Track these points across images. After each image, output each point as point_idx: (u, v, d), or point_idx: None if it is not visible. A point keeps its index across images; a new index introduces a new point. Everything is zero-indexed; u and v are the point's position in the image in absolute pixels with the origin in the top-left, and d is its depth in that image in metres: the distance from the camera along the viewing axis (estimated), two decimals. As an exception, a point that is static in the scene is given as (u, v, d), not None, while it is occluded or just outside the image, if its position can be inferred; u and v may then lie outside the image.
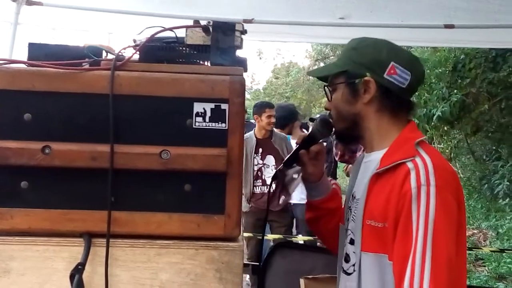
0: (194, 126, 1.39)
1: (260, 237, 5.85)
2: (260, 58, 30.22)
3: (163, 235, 1.40)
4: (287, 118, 6.72)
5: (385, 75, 1.70)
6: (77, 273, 1.32)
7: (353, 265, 1.73)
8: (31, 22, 4.02)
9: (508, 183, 10.81)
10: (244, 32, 1.47)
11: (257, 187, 5.95)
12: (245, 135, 6.36)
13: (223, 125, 1.40)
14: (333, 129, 1.87)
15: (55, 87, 1.37)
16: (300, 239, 5.46)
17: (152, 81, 1.39)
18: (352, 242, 1.75)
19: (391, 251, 1.56)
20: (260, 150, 6.00)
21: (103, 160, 1.36)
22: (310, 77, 26.87)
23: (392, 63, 1.70)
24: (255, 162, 5.97)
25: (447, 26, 3.93)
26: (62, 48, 1.55)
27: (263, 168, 5.95)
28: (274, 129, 6.23)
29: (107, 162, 1.36)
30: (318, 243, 4.81)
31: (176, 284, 1.40)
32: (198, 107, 1.39)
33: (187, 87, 1.39)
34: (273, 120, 5.97)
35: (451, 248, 1.51)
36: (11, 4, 3.68)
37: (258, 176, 5.93)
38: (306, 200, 2.02)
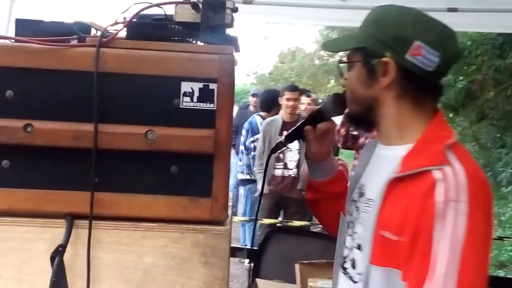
0: (181, 106, 1.35)
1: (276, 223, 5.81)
2: (266, 43, 30.08)
3: (148, 218, 1.37)
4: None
5: (407, 56, 1.43)
6: (57, 255, 1.29)
7: (360, 274, 1.53)
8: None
9: (511, 170, 10.76)
10: (235, 10, 1.42)
11: (277, 170, 5.85)
12: (272, 117, 6.29)
13: (211, 105, 1.35)
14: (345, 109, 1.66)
15: (38, 63, 1.33)
16: (297, 224, 5.42)
17: (138, 59, 1.34)
18: (359, 247, 1.55)
19: (406, 269, 1.36)
20: (284, 133, 5.91)
21: (86, 140, 1.32)
22: (316, 62, 26.78)
23: (416, 41, 1.42)
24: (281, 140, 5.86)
25: (450, 10, 3.83)
26: (50, 24, 1.51)
27: (285, 151, 5.80)
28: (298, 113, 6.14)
29: (91, 142, 1.32)
30: (319, 229, 4.76)
31: (161, 267, 1.36)
32: (185, 86, 1.35)
33: (175, 65, 1.34)
34: (291, 103, 5.87)
35: (477, 279, 1.32)
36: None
37: (279, 158, 5.83)
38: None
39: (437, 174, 1.36)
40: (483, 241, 1.34)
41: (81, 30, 1.43)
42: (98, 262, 1.36)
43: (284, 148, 5.84)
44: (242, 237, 7.35)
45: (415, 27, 1.44)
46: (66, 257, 1.33)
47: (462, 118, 13.20)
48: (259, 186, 6.32)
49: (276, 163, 5.84)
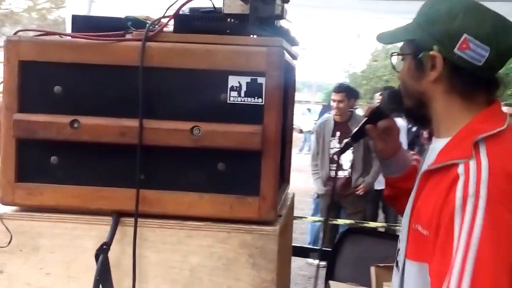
0: (228, 101, 1.30)
1: (332, 223, 5.77)
2: (359, 41, 29.73)
3: (193, 216, 1.33)
4: None
5: (455, 50, 1.38)
6: (101, 253, 1.27)
7: (397, 264, 1.53)
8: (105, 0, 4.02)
9: None
10: (286, 0, 1.35)
11: (332, 171, 5.80)
12: (324, 118, 6.24)
13: (260, 100, 1.30)
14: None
15: (84, 58, 1.32)
16: (373, 225, 5.28)
17: (184, 53, 1.30)
18: (402, 240, 1.52)
19: (431, 263, 1.33)
20: (338, 133, 5.85)
21: (131, 136, 1.29)
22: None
23: (465, 35, 1.38)
24: (331, 146, 5.83)
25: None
26: (104, 19, 1.50)
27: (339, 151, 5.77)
28: (356, 112, 6.05)
29: (136, 138, 1.29)
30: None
31: (207, 268, 1.32)
32: (233, 80, 1.30)
33: (221, 59, 1.30)
34: (336, 105, 5.78)
35: (497, 278, 1.23)
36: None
37: (334, 160, 5.78)
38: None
39: (460, 168, 1.32)
40: (508, 238, 1.25)
41: (134, 25, 1.41)
42: (144, 261, 1.33)
43: (338, 148, 5.80)
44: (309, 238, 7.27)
45: (464, 20, 1.39)
46: (113, 255, 1.31)
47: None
48: (315, 187, 6.29)
49: (331, 164, 5.78)
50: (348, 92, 5.99)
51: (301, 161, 12.68)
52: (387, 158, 1.72)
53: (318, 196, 6.42)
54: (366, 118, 1.68)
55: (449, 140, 1.42)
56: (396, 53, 1.58)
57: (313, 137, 6.14)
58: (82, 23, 1.46)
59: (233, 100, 1.30)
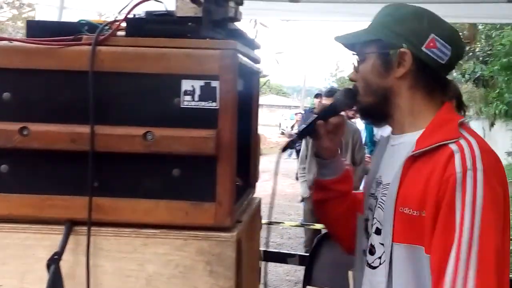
0: (182, 106, 1.28)
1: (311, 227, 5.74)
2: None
3: (149, 224, 1.29)
4: None
5: (423, 48, 1.52)
6: (53, 263, 1.24)
7: (380, 257, 1.56)
8: (77, 7, 4.01)
9: None
10: (239, 2, 1.33)
11: None
12: None
13: (214, 104, 1.27)
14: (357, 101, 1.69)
15: (34, 64, 1.28)
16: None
17: (136, 57, 1.28)
18: (378, 232, 1.58)
19: (429, 243, 1.41)
20: None
21: (83, 142, 1.26)
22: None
23: (432, 35, 1.52)
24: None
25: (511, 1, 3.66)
26: (60, 24, 1.48)
27: None
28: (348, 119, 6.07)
29: (88, 144, 1.26)
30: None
31: (164, 276, 1.29)
32: (186, 84, 1.27)
33: (174, 62, 1.27)
34: None
35: (499, 242, 1.37)
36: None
37: None
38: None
39: (453, 146, 1.43)
40: (501, 210, 1.40)
41: (90, 30, 1.38)
42: (99, 271, 1.30)
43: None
44: None
45: (430, 22, 1.54)
46: (67, 265, 1.28)
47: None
48: (301, 191, 6.29)
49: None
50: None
51: (289, 167, 12.65)
52: (329, 157, 1.76)
53: (303, 199, 6.42)
54: (317, 115, 1.71)
55: (425, 129, 1.52)
56: (357, 54, 1.65)
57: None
58: (37, 29, 1.43)
59: (187, 105, 1.27)
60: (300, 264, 3.89)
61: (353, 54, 1.66)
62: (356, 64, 1.66)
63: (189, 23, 1.32)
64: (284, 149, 1.78)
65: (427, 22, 1.54)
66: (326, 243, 3.55)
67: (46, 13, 3.79)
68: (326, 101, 5.80)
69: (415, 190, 1.45)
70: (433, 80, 1.57)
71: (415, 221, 1.44)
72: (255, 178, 1.76)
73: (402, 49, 1.53)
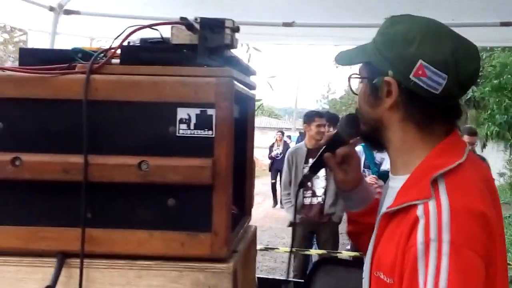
0: (177, 134, 1.25)
1: (305, 253, 5.72)
2: (337, 67, 29.79)
3: (143, 255, 1.27)
4: None
5: (411, 76, 1.27)
6: (45, 297, 1.20)
7: None
8: (69, 32, 4.01)
9: None
10: (235, 29, 1.32)
11: (306, 198, 5.78)
12: (296, 145, 6.28)
13: (210, 132, 1.25)
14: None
15: (26, 93, 1.26)
16: (346, 254, 5.23)
17: (130, 85, 1.26)
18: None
19: None
20: (310, 160, 5.84)
21: (76, 173, 1.24)
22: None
23: (420, 61, 1.27)
24: (305, 173, 5.81)
25: (504, 24, 3.66)
26: (53, 52, 1.46)
27: (313, 179, 5.76)
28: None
29: (81, 174, 1.23)
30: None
31: (159, 309, 1.26)
32: (182, 112, 1.25)
33: (169, 91, 1.25)
34: (322, 129, 5.78)
35: None
36: (49, 14, 3.67)
37: (307, 187, 5.75)
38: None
39: (419, 210, 1.21)
40: (476, 282, 1.15)
41: (83, 57, 1.36)
42: (92, 304, 1.26)
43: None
44: None
45: (421, 45, 1.29)
46: (59, 298, 1.24)
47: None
48: (288, 217, 6.27)
49: (305, 191, 5.77)
50: (327, 118, 6.04)
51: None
52: (348, 190, 1.58)
53: (291, 224, 6.40)
54: (324, 147, 1.57)
55: (407, 179, 1.32)
56: (354, 75, 1.45)
57: (284, 166, 6.10)
58: (29, 56, 1.41)
59: (183, 133, 1.25)
60: (296, 290, 3.84)
61: (351, 76, 1.47)
62: (353, 86, 1.47)
63: (185, 51, 1.30)
64: (300, 186, 1.74)
65: (418, 44, 1.29)
66: (322, 268, 3.51)
67: (38, 38, 3.79)
68: (320, 121, 5.82)
69: (387, 255, 1.27)
70: (429, 113, 1.33)
71: None
72: (250, 205, 1.73)
73: (387, 78, 1.31)
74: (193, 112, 1.25)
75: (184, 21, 1.29)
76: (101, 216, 1.27)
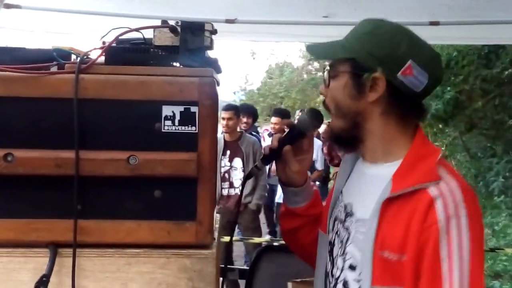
0: (163, 130, 1.34)
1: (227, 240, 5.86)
2: (254, 59, 30.04)
3: (132, 244, 1.35)
4: None
5: (399, 75, 1.42)
6: (41, 285, 1.27)
7: None
8: (9, 26, 3.95)
9: (503, 180, 10.78)
10: (214, 32, 1.41)
11: (224, 189, 5.94)
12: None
13: (193, 128, 1.35)
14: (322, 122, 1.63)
15: (17, 92, 1.32)
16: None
17: (118, 84, 1.33)
18: (352, 268, 1.50)
19: (410, 286, 1.36)
20: (228, 152, 6.01)
21: (68, 167, 1.30)
22: (304, 76, 26.76)
23: (410, 61, 1.42)
24: (222, 164, 5.97)
25: (432, 23, 3.85)
26: (29, 51, 1.50)
27: (230, 170, 5.99)
28: (245, 132, 6.40)
29: (72, 169, 1.30)
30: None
31: (147, 294, 1.35)
32: (166, 110, 1.34)
33: (155, 89, 1.33)
34: (226, 122, 6.02)
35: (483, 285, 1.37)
36: (-11, 8, 3.60)
37: (225, 178, 5.93)
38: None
39: (433, 191, 1.37)
40: (483, 251, 1.40)
41: (60, 57, 1.42)
42: (83, 291, 1.34)
43: (229, 167, 5.98)
44: None
45: (409, 46, 1.44)
46: (51, 286, 1.30)
47: (452, 129, 13.26)
48: None
49: (223, 183, 5.97)
50: (236, 110, 6.17)
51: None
52: (300, 184, 1.64)
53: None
54: (283, 140, 1.60)
55: (401, 165, 1.45)
56: (332, 70, 1.52)
57: None
58: (6, 55, 1.44)
59: (168, 129, 1.34)
60: (241, 277, 3.95)
61: (326, 68, 1.55)
62: (327, 78, 1.53)
63: (167, 52, 1.39)
64: (247, 178, 1.74)
65: (406, 45, 1.43)
66: (265, 256, 3.62)
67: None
68: (225, 115, 5.98)
69: (395, 233, 1.38)
70: (408, 108, 1.48)
71: (395, 265, 1.38)
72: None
73: (375, 74, 1.43)
74: (177, 109, 1.34)
75: (168, 25, 1.37)
76: (92, 207, 1.34)
